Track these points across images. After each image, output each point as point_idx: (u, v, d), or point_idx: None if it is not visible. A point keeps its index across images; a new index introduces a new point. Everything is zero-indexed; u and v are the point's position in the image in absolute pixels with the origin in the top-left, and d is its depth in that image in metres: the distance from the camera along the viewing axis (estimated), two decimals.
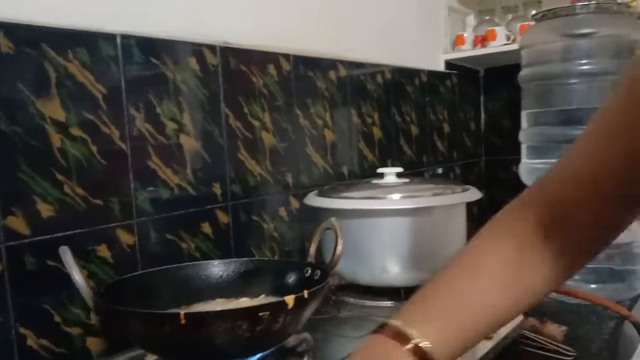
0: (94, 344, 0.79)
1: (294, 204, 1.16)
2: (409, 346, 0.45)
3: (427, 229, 0.87)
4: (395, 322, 0.47)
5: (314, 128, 1.21)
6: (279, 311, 0.56)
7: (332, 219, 0.73)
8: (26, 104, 0.72)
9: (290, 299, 0.56)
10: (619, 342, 1.06)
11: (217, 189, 0.99)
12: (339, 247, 0.70)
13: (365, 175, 1.34)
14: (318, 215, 1.19)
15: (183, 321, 0.51)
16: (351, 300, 0.91)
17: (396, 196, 0.84)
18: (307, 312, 0.61)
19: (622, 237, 1.28)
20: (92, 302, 0.57)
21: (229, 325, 0.53)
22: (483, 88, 1.92)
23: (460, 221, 0.92)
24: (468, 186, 0.92)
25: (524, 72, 1.33)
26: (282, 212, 1.14)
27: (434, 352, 0.45)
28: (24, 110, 0.72)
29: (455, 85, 1.76)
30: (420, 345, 0.45)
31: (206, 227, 0.96)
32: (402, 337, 0.46)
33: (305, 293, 0.58)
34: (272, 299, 0.66)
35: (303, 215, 1.17)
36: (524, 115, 1.34)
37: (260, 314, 0.54)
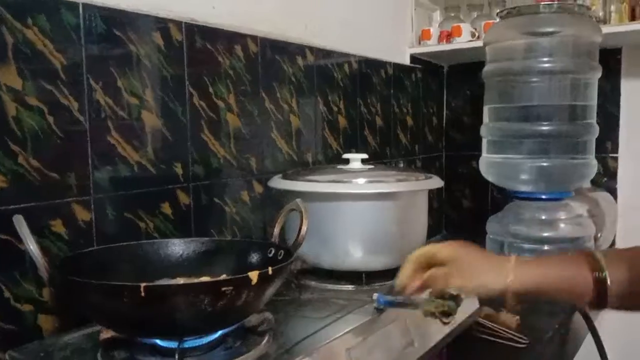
0: (45, 321, 0.76)
1: (257, 188, 1.15)
2: (595, 275, 0.61)
3: (390, 215, 0.87)
4: (598, 254, 0.63)
5: (279, 113, 1.19)
6: (242, 287, 0.55)
7: (298, 200, 0.73)
8: None
9: (254, 275, 0.56)
10: (569, 332, 1.10)
11: (178, 169, 0.96)
12: (304, 228, 0.70)
13: (330, 163, 1.34)
14: (281, 200, 1.18)
15: (143, 294, 0.50)
16: (312, 283, 0.91)
17: (361, 181, 0.84)
18: (271, 290, 0.61)
19: (574, 232, 1.32)
20: (46, 274, 0.55)
21: (190, 299, 0.51)
22: (446, 84, 1.94)
23: (422, 208, 0.93)
24: (430, 175, 0.93)
25: (487, 68, 1.36)
26: (245, 196, 1.12)
27: (611, 289, 0.60)
28: None
29: (420, 80, 1.78)
30: (604, 278, 0.60)
31: (166, 208, 0.94)
32: (594, 266, 0.61)
33: (270, 270, 0.58)
34: None
35: (266, 200, 1.16)
36: (486, 110, 1.37)
37: (223, 288, 0.53)
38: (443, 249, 0.70)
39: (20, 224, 0.56)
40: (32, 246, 0.55)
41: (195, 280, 0.53)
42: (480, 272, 0.68)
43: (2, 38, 0.71)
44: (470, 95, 1.89)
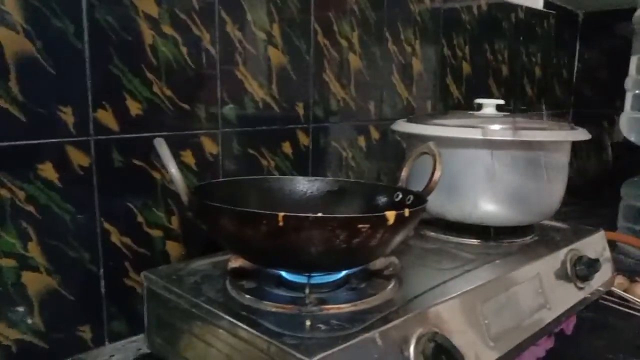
0: (172, 247, 0.78)
1: (374, 134, 1.11)
2: None
3: (527, 167, 0.80)
4: None
5: (402, 55, 1.13)
6: (378, 226, 0.52)
7: (431, 143, 0.68)
8: None
9: (391, 215, 0.52)
10: None
11: (300, 109, 0.94)
12: (437, 173, 0.65)
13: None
14: (398, 147, 1.14)
15: (281, 223, 0.48)
16: (433, 234, 0.86)
17: (497, 127, 0.77)
18: (403, 233, 0.57)
19: None
20: (186, 198, 0.55)
21: (327, 233, 0.49)
22: (580, 33, 1.76)
23: (564, 163, 0.84)
24: (576, 126, 0.84)
25: None
26: (361, 141, 1.09)
27: None
28: (119, 2, 0.69)
29: (552, 27, 1.62)
30: None
31: (287, 147, 0.93)
32: None
33: (407, 211, 0.54)
34: None
35: (382, 147, 1.12)
36: (634, 60, 1.22)
37: (360, 225, 0.50)
38: None
39: (161, 146, 0.56)
40: (173, 169, 0.55)
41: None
42: None
43: None
44: (607, 48, 1.70)
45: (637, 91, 1.20)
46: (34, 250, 0.65)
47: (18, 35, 0.61)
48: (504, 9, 1.40)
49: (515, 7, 1.44)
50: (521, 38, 1.49)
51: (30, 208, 0.64)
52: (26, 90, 0.62)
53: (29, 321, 0.66)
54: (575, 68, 1.78)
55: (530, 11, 1.51)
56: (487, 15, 1.35)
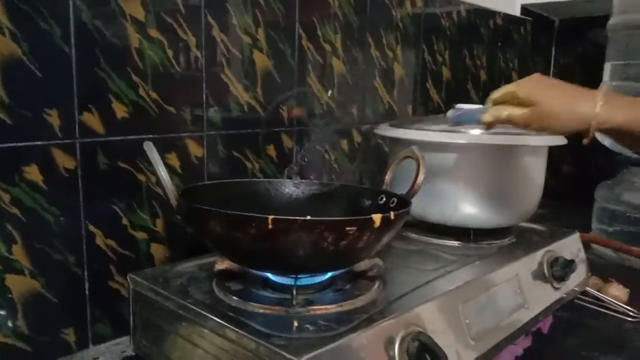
0: (157, 250, 0.78)
1: (356, 137, 1.13)
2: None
3: (506, 170, 0.82)
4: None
5: (383, 60, 1.15)
6: (365, 228, 0.53)
7: (414, 147, 0.70)
8: None
9: (377, 217, 0.54)
10: None
11: (284, 112, 0.96)
12: (421, 176, 0.67)
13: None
14: (382, 151, 1.16)
15: (270, 226, 0.49)
16: (415, 236, 0.88)
17: (476, 131, 0.79)
18: (388, 236, 0.59)
19: None
20: (175, 201, 0.55)
21: (315, 235, 0.50)
22: (556, 40, 1.80)
23: (540, 167, 0.87)
24: None
25: (613, 21, 1.24)
26: (344, 144, 1.10)
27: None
28: (106, 5, 0.69)
29: (529, 34, 1.66)
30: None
31: (271, 150, 0.94)
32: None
33: (392, 214, 0.55)
34: None
35: (364, 149, 1.14)
36: (608, 67, 1.25)
37: (348, 228, 0.52)
38: (522, 87, 0.67)
39: (150, 150, 0.57)
40: (162, 172, 0.56)
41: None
42: (561, 113, 0.65)
43: None
44: (582, 53, 1.75)
45: None
46: (18, 253, 0.65)
47: (4, 37, 0.61)
48: (482, 15, 1.43)
49: (493, 14, 1.47)
50: (499, 44, 1.52)
51: (15, 211, 0.64)
52: (12, 92, 0.62)
53: (13, 324, 0.66)
54: (551, 74, 1.82)
55: (508, 17, 1.54)
56: (467, 21, 1.38)
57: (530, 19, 1.64)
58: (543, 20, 1.72)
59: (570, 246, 0.90)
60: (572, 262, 0.81)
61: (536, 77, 0.68)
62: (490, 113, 0.69)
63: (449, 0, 1.31)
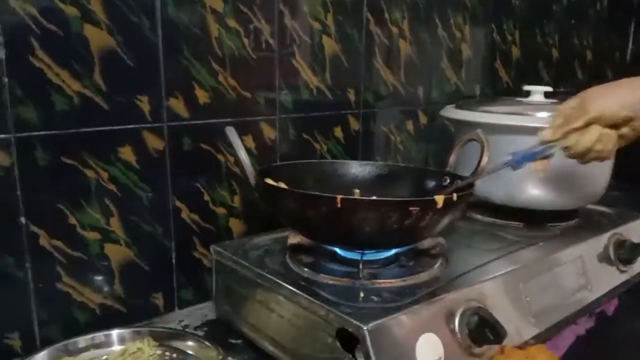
0: (235, 224, 0.85)
1: (422, 119, 1.15)
2: None
3: None
4: None
5: (451, 41, 1.16)
6: (428, 209, 0.57)
7: (478, 130, 0.71)
8: None
9: (440, 199, 0.57)
10: None
11: (351, 95, 0.99)
12: (485, 159, 0.68)
13: (498, 96, 1.29)
14: (446, 132, 1.17)
15: (339, 205, 0.54)
16: (479, 217, 0.90)
17: (544, 115, 0.80)
18: (451, 216, 0.62)
19: None
20: (254, 180, 0.61)
21: (380, 214, 0.55)
22: (635, 16, 1.72)
23: None
24: None
25: None
26: (410, 125, 1.13)
27: None
28: None
29: (605, 10, 1.59)
30: None
31: (338, 132, 0.98)
32: None
33: (455, 195, 0.58)
34: None
35: (430, 131, 1.15)
36: None
37: (411, 208, 0.55)
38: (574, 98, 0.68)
39: (232, 134, 0.62)
40: (243, 155, 0.61)
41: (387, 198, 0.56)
42: (607, 94, 0.66)
43: None
44: None
45: None
46: (115, 225, 0.73)
47: (102, 30, 0.68)
48: None
49: None
50: (572, 21, 1.48)
51: (112, 187, 0.72)
52: (108, 80, 0.69)
53: (111, 288, 0.74)
54: (629, 51, 1.74)
55: None
56: None
57: None
58: None
59: (638, 229, 0.90)
60: (639, 245, 0.81)
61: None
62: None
63: None
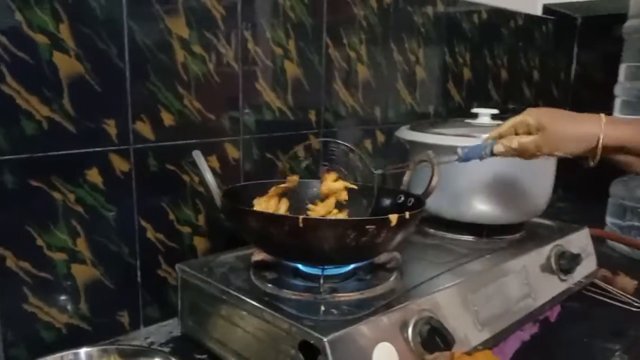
0: (199, 242, 0.88)
1: (380, 137, 1.20)
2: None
3: (517, 172, 0.89)
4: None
5: (406, 64, 1.22)
6: (382, 227, 0.61)
7: (429, 152, 0.77)
8: (157, 20, 0.78)
9: (394, 217, 0.62)
10: None
11: (312, 116, 1.04)
12: (435, 179, 0.74)
13: (450, 116, 1.36)
14: (402, 151, 1.23)
15: (301, 224, 0.58)
16: (432, 231, 0.96)
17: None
18: (404, 233, 0.67)
19: None
20: (219, 202, 0.64)
21: (339, 232, 0.59)
22: (578, 38, 1.83)
23: (550, 167, 0.93)
24: None
25: (629, 23, 1.28)
26: (368, 144, 1.18)
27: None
28: (155, 25, 0.78)
29: (551, 33, 1.70)
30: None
31: (300, 151, 1.02)
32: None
33: (407, 214, 0.63)
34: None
35: (387, 149, 1.21)
36: (623, 68, 1.30)
37: (367, 226, 0.60)
38: (531, 114, 0.74)
39: (198, 157, 0.66)
40: (209, 177, 0.65)
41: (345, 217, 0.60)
42: (569, 133, 0.71)
43: None
44: (604, 51, 1.77)
45: (625, 98, 1.28)
46: (81, 246, 0.75)
47: (70, 58, 0.70)
48: (502, 15, 1.48)
49: (514, 15, 1.52)
50: (520, 43, 1.57)
51: (79, 208, 0.74)
52: (77, 106, 0.72)
53: (77, 307, 0.76)
54: (573, 71, 1.85)
55: (529, 17, 1.59)
56: (487, 22, 1.43)
57: (552, 17, 1.68)
58: (565, 19, 1.75)
59: (578, 241, 0.97)
60: (578, 255, 0.88)
61: (542, 108, 0.76)
62: (501, 143, 0.74)
63: (469, 2, 1.36)
